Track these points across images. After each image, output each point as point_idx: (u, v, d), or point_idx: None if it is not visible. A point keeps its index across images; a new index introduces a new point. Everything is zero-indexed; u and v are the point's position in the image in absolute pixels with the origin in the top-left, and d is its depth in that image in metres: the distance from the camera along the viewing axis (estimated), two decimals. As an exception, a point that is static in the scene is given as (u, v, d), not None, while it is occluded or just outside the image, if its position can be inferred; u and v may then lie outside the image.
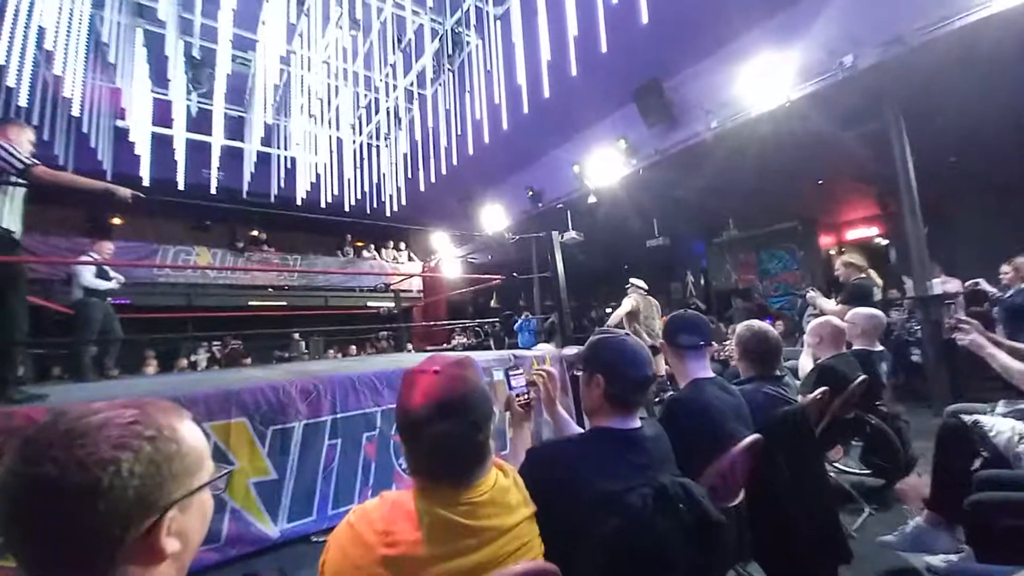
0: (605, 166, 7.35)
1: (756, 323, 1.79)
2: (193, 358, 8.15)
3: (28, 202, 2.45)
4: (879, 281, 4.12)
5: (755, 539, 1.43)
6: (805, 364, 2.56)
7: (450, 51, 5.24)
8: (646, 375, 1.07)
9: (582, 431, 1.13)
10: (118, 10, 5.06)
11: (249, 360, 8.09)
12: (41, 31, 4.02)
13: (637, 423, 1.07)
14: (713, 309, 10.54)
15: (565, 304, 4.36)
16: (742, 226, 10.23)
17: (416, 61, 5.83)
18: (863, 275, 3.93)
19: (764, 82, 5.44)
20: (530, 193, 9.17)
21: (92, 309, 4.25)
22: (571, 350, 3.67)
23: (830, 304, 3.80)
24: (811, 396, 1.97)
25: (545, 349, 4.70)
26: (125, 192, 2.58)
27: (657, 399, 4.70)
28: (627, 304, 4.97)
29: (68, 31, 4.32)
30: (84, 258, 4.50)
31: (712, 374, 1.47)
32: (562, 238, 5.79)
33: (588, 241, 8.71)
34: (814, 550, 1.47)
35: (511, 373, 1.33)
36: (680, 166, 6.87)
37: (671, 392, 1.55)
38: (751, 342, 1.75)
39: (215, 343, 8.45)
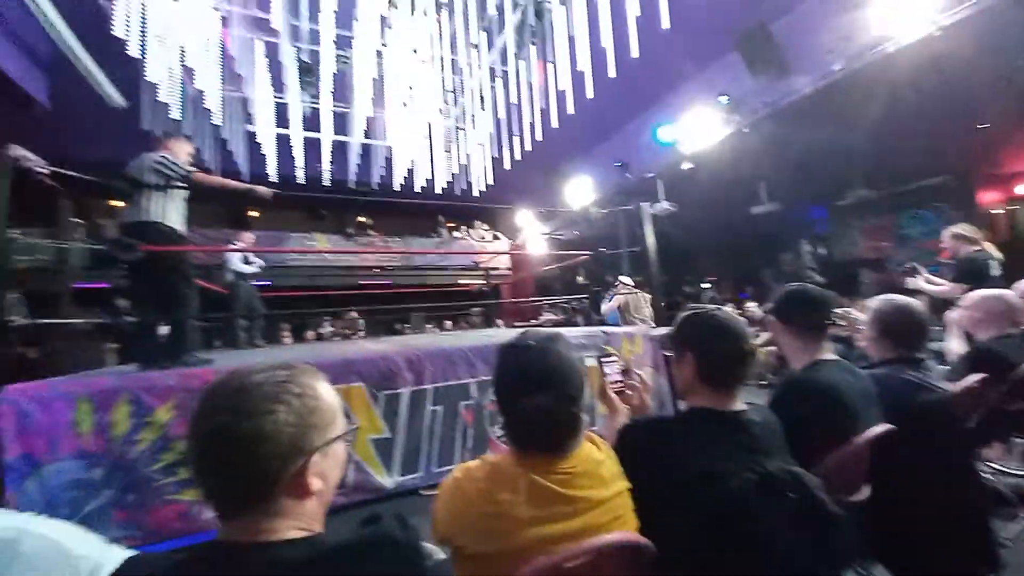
0: (701, 128, 6.71)
1: (899, 297, 1.53)
2: (319, 331, 9.34)
3: (187, 202, 2.96)
4: (997, 255, 3.31)
5: (880, 539, 1.29)
6: (954, 347, 2.17)
7: (532, 21, 5.13)
8: (741, 350, 1.00)
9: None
10: (241, 26, 5.75)
11: (363, 333, 9.06)
12: (182, 50, 4.74)
13: (740, 405, 1.01)
14: (834, 283, 9.27)
15: (656, 279, 4.17)
16: (874, 185, 8.73)
17: (498, 36, 5.81)
18: (977, 248, 3.22)
19: (903, 10, 4.48)
20: (618, 164, 8.76)
21: (241, 289, 5.09)
22: (663, 332, 3.55)
23: (938, 285, 3.20)
24: (964, 383, 1.67)
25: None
26: (265, 191, 3.06)
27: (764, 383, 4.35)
28: (616, 300, 5.58)
29: (205, 49, 5.05)
30: (231, 246, 5.36)
31: (835, 356, 1.32)
32: (653, 210, 5.49)
33: (682, 212, 8.12)
34: (955, 556, 1.28)
35: (604, 360, 1.29)
36: (795, 120, 6.03)
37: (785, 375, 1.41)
38: (894, 319, 1.50)
39: (335, 318, 9.61)
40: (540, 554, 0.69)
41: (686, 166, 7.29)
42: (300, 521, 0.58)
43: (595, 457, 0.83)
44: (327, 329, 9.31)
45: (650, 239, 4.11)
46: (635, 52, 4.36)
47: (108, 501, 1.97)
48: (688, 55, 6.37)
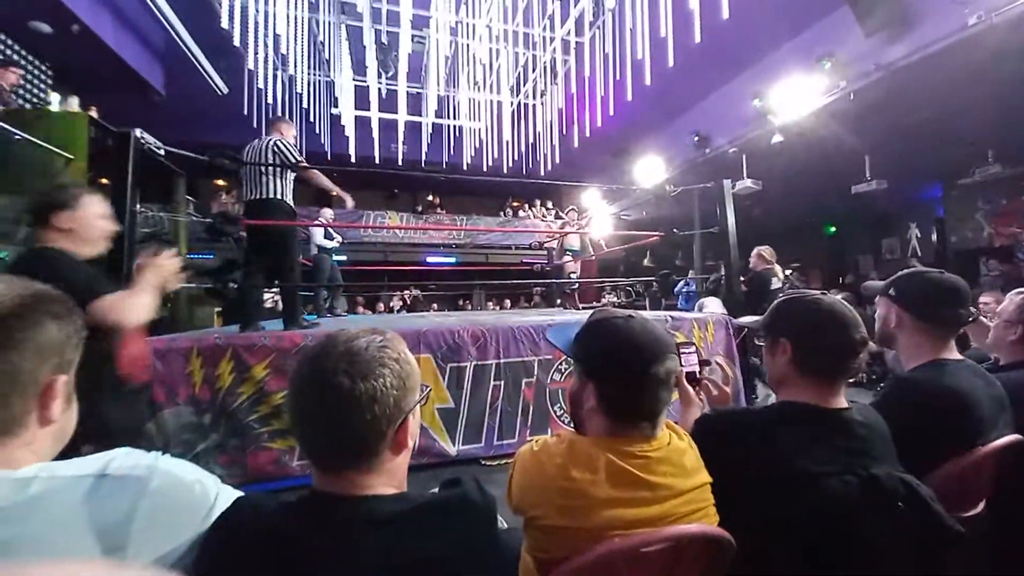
0: (797, 95, 6.02)
1: None
2: (391, 303, 9.91)
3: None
4: None
5: (999, 561, 1.11)
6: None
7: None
8: (848, 340, 0.88)
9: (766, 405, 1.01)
10: (329, 10, 6.03)
11: (435, 306, 9.49)
12: (276, 38, 5.06)
13: (842, 402, 0.90)
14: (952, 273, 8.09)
15: (735, 263, 3.87)
16: (1010, 160, 7.38)
17: (575, 6, 5.57)
18: None
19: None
20: (696, 138, 8.17)
21: (323, 262, 5.49)
22: (746, 319, 3.33)
23: None
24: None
25: (711, 307, 4.34)
26: (349, 202, 3.68)
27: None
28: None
29: (296, 37, 5.36)
30: (315, 222, 5.77)
31: (960, 356, 1.14)
32: (734, 188, 5.06)
33: (767, 191, 7.44)
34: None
35: (682, 350, 1.17)
36: (914, 84, 5.20)
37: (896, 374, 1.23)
38: None
39: (404, 291, 10.13)
40: (615, 535, 0.67)
41: (776, 139, 6.62)
42: (392, 478, 0.63)
43: (677, 445, 0.79)
44: (396, 301, 9.84)
45: (731, 219, 3.81)
46: (726, 12, 3.97)
47: (214, 444, 2.25)
48: (786, 13, 5.70)
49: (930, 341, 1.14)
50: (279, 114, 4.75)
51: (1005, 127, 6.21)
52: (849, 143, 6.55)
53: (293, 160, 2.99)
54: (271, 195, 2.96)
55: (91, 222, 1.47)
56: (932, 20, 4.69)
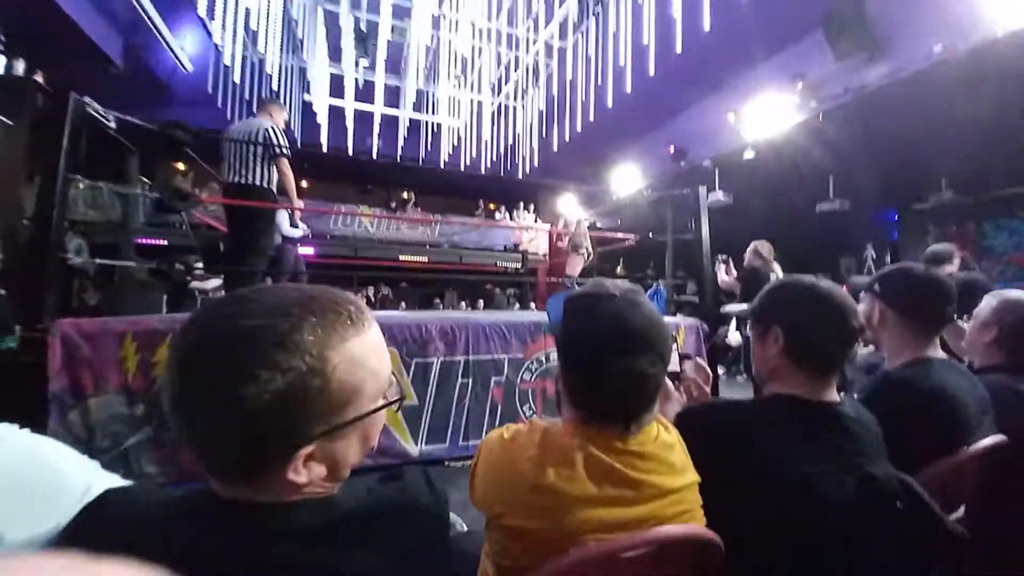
0: (770, 113, 6.22)
1: (1022, 297, 1.28)
2: (356, 300, 9.63)
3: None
4: None
5: (980, 565, 1.08)
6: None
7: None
8: (845, 328, 0.82)
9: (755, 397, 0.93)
10: (304, -7, 5.82)
11: (404, 304, 9.24)
12: (247, 13, 4.82)
13: (835, 395, 0.84)
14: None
15: (708, 271, 3.90)
16: (961, 188, 7.85)
17: (559, 7, 5.58)
18: None
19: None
20: (672, 150, 8.32)
21: (287, 253, 5.21)
22: (732, 307, 3.45)
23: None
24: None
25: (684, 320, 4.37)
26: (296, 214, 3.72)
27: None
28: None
29: (267, 14, 5.12)
30: (281, 210, 5.49)
31: (944, 355, 1.10)
32: (707, 200, 5.14)
33: (737, 205, 7.63)
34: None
35: None
36: (879, 108, 5.44)
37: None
38: (1016, 322, 1.25)
39: (371, 288, 9.83)
40: (593, 538, 0.57)
41: (748, 155, 6.80)
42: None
43: (665, 440, 0.69)
44: (362, 301, 9.60)
45: (704, 228, 3.84)
46: (707, 25, 4.03)
47: (147, 437, 2.02)
48: (763, 33, 5.88)
49: (914, 338, 1.10)
50: (244, 95, 4.51)
51: (960, 156, 6.59)
52: (816, 162, 6.80)
53: (281, 150, 2.88)
54: (257, 181, 2.85)
55: None
56: (900, 47, 4.93)
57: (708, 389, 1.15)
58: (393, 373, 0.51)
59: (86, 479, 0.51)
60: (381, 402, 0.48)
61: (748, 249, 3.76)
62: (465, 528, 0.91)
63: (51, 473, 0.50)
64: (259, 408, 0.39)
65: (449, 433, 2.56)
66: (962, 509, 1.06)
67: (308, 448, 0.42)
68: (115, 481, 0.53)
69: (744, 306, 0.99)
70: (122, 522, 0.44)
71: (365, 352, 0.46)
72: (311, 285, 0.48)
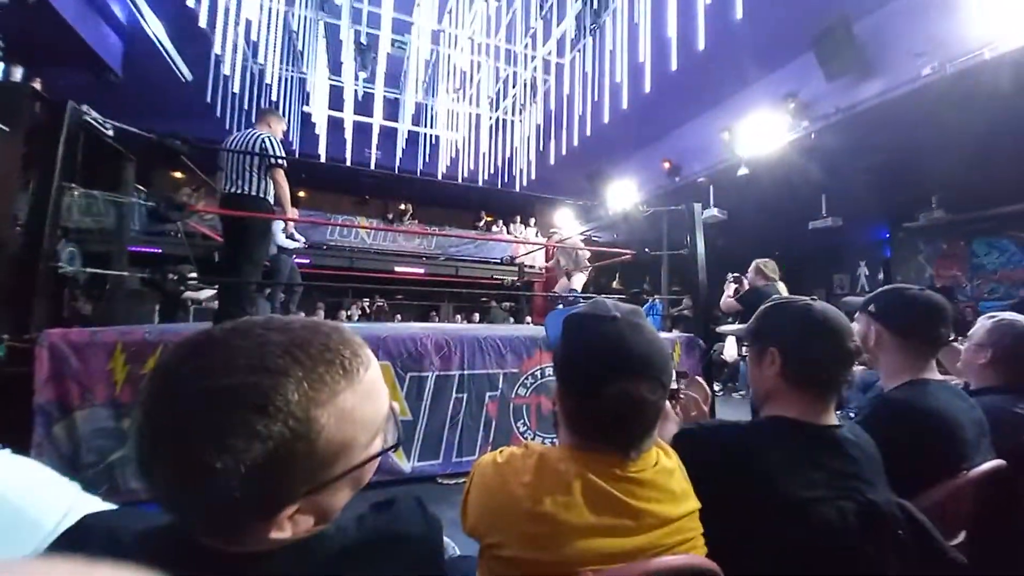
0: (763, 131, 6.32)
1: (1020, 320, 1.29)
2: (347, 312, 9.53)
3: None
4: None
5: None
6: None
7: (595, 5, 4.95)
8: (843, 349, 0.81)
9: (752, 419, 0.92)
10: (305, 5, 5.88)
11: (399, 317, 9.18)
12: (248, 24, 4.86)
13: (834, 418, 0.83)
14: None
15: (704, 287, 3.91)
16: (952, 207, 7.98)
17: (557, 26, 5.67)
18: None
19: (1008, 13, 4.02)
20: (667, 166, 8.41)
21: (282, 263, 5.18)
22: (729, 328, 3.46)
23: None
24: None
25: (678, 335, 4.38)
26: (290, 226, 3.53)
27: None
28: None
29: (268, 26, 5.17)
30: (278, 221, 5.48)
31: (941, 376, 1.10)
32: (702, 216, 5.19)
33: (732, 221, 7.71)
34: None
35: None
36: (869, 127, 5.55)
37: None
38: (1011, 343, 1.26)
39: (365, 299, 9.77)
40: (590, 570, 0.55)
41: (742, 172, 6.89)
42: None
43: (665, 466, 0.68)
44: (354, 311, 9.49)
45: (700, 243, 3.86)
46: (702, 44, 4.10)
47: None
48: (756, 53, 6.01)
49: (910, 360, 1.10)
50: (243, 106, 4.52)
51: (950, 175, 6.71)
52: (809, 180, 6.90)
53: (277, 160, 2.87)
54: (253, 191, 2.83)
55: None
56: (890, 68, 5.04)
57: (706, 409, 1.14)
58: (391, 405, 0.48)
59: (64, 505, 0.49)
60: (374, 450, 0.45)
61: (750, 267, 3.78)
62: (458, 552, 0.89)
63: (12, 510, 0.47)
64: (232, 482, 0.34)
65: (443, 449, 2.53)
66: (963, 535, 1.06)
67: (292, 508, 0.39)
68: (97, 505, 0.51)
69: (738, 326, 0.99)
70: (98, 555, 0.42)
71: (358, 403, 0.42)
72: (303, 323, 0.44)
